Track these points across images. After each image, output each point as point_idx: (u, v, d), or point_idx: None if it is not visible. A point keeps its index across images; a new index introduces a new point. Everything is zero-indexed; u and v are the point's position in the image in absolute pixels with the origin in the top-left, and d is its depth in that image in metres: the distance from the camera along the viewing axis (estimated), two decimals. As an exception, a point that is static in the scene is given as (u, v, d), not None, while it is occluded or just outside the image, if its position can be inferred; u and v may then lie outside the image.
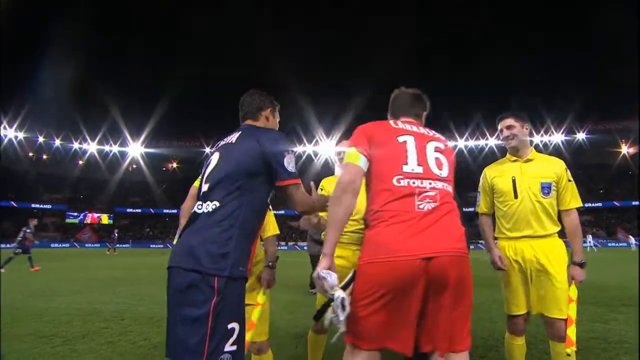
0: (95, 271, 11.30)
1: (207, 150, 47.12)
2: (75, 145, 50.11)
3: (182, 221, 1.71)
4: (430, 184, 1.46)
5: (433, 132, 1.65)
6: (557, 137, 45.44)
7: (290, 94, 43.04)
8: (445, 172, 1.52)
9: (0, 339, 2.62)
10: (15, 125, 44.24)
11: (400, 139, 1.52)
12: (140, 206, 50.29)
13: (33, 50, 43.31)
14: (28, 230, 11.68)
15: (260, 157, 1.48)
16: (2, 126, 42.90)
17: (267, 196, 1.54)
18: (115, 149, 51.91)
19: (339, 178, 1.50)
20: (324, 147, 49.84)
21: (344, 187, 1.46)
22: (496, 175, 2.34)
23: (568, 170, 2.26)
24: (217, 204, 1.43)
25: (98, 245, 40.02)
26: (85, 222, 46.91)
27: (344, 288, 1.38)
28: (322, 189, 2.59)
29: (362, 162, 1.50)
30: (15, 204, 43.22)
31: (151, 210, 49.00)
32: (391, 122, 1.61)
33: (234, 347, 1.33)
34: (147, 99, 46.02)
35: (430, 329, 1.39)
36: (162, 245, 39.08)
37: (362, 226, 2.41)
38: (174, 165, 57.03)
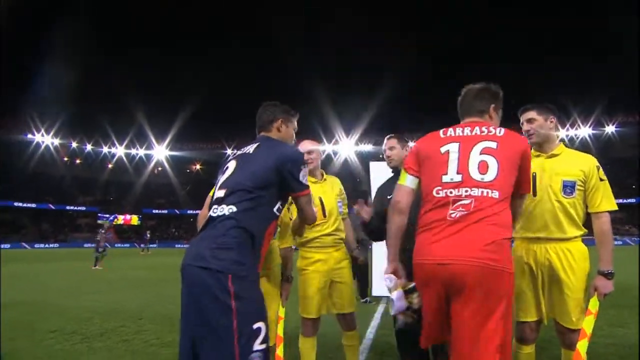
0: (121, 271, 11.84)
1: (229, 151, 48.03)
2: (105, 149, 52.46)
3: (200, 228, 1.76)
4: (466, 191, 1.45)
5: (491, 128, 1.56)
6: (585, 131, 43.38)
7: (311, 94, 43.42)
8: (490, 175, 1.45)
9: (0, 340, 2.83)
10: (52, 132, 47.09)
11: (444, 148, 1.55)
12: (166, 207, 51.98)
13: (38, 55, 45.39)
14: (102, 231, 13.90)
15: (276, 170, 1.55)
16: (40, 134, 45.71)
17: (276, 206, 1.59)
18: (141, 152, 53.95)
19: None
20: (344, 146, 49.83)
21: (391, 207, 1.66)
22: None
23: (600, 169, 2.04)
24: (234, 208, 1.48)
25: (128, 245, 41.70)
26: (116, 222, 48.99)
27: (411, 291, 1.60)
28: None
29: (408, 182, 1.64)
30: (53, 207, 45.77)
31: (176, 211, 50.53)
32: (441, 131, 1.63)
33: (263, 346, 1.38)
34: (171, 104, 47.59)
35: (454, 330, 1.42)
36: (187, 245, 39.77)
37: (328, 230, 2.51)
38: (198, 167, 58.56)
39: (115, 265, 13.20)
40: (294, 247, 2.57)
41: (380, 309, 5.15)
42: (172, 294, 6.83)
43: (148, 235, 27.87)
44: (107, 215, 49.05)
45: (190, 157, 56.49)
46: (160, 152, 54.16)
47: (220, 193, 1.55)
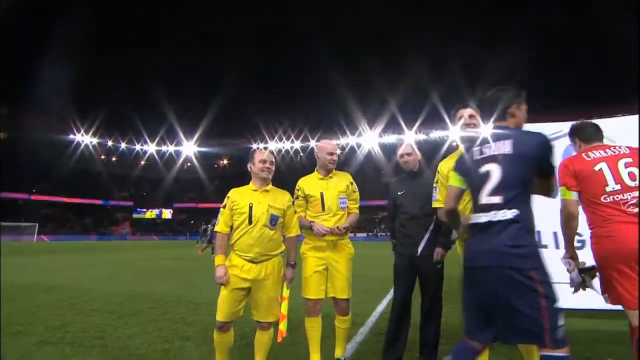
0: (154, 261, 12.75)
1: (254, 146, 49.18)
2: (137, 147, 55.28)
3: (450, 219, 1.95)
4: (630, 195, 2.04)
5: (619, 148, 2.20)
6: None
7: (334, 85, 43.50)
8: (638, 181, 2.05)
9: (0, 339, 3.15)
10: (90, 132, 50.40)
11: (597, 167, 2.13)
12: (196, 201, 54.04)
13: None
14: (211, 227, 15.08)
15: (538, 164, 1.68)
16: (80, 134, 49.03)
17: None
18: (171, 148, 56.40)
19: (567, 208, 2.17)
20: (367, 138, 49.62)
21: (568, 216, 2.16)
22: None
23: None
24: (516, 211, 1.61)
25: (173, 238, 44.08)
26: (151, 216, 51.74)
27: (585, 270, 2.18)
28: (298, 190, 2.88)
29: (574, 196, 2.17)
30: (95, 202, 49.12)
31: (209, 204, 52.51)
32: (583, 154, 2.23)
33: (563, 321, 1.55)
34: (199, 102, 49.31)
35: None
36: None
37: (326, 223, 2.75)
38: (225, 162, 60.39)
39: (150, 255, 14.16)
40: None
41: (388, 297, 5.44)
42: (197, 281, 7.45)
43: (202, 229, 29.06)
44: (144, 210, 51.82)
45: (217, 153, 58.39)
46: (189, 148, 56.35)
47: (495, 199, 1.65)
